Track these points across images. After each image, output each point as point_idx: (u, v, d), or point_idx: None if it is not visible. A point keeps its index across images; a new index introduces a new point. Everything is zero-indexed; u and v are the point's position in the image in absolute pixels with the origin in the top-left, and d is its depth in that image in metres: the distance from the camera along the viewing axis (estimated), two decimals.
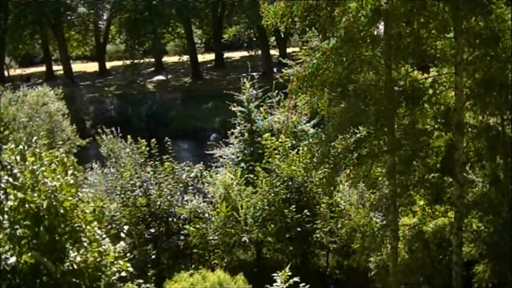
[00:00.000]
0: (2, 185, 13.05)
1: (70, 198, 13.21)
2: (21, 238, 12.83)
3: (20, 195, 12.82)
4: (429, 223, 17.99)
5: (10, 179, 13.01)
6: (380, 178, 17.30)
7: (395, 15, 15.48)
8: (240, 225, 20.90)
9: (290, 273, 12.19)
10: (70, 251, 13.06)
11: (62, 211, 13.01)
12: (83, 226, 13.52)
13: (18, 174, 13.11)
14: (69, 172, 13.76)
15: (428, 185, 16.88)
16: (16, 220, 12.90)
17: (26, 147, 13.66)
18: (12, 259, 12.46)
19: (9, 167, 13.20)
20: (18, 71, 77.59)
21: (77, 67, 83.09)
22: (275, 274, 12.28)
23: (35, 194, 12.89)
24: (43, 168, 13.20)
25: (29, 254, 12.54)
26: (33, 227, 12.90)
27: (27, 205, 12.83)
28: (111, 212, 21.48)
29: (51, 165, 13.57)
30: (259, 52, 72.62)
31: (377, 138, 16.52)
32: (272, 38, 71.56)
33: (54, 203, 12.93)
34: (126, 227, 15.10)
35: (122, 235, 14.47)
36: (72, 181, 13.34)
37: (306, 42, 17.04)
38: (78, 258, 13.05)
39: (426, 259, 17.98)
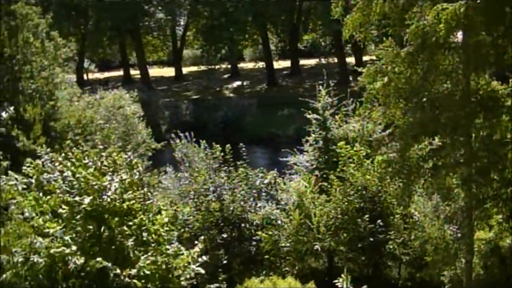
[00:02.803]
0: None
1: (129, 197, 13.34)
2: (84, 238, 13.03)
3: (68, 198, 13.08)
4: (506, 238, 17.62)
5: (65, 187, 13.29)
6: (455, 190, 17.02)
7: (474, 24, 15.22)
8: (312, 233, 20.82)
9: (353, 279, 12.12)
10: (134, 252, 13.16)
11: (123, 208, 13.15)
12: (151, 227, 13.61)
13: (74, 182, 13.36)
14: (135, 172, 13.93)
15: (505, 199, 16.52)
16: (79, 221, 13.12)
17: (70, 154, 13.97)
18: (81, 260, 12.63)
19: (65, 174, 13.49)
20: (97, 75, 78.99)
21: (154, 72, 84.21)
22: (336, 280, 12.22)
23: (88, 197, 13.11)
24: (85, 172, 13.41)
25: (94, 261, 12.67)
26: (95, 227, 13.10)
27: (83, 207, 13.07)
28: (184, 215, 21.67)
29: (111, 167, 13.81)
30: (335, 59, 72.42)
31: (453, 148, 16.28)
32: (349, 46, 71.25)
33: (117, 203, 13.09)
34: (202, 238, 15.18)
35: (197, 242, 14.52)
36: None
37: (382, 50, 16.87)
38: (148, 261, 13.14)
39: (502, 275, 17.61)
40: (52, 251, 12.79)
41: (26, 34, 29.23)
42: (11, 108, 19.96)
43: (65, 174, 13.84)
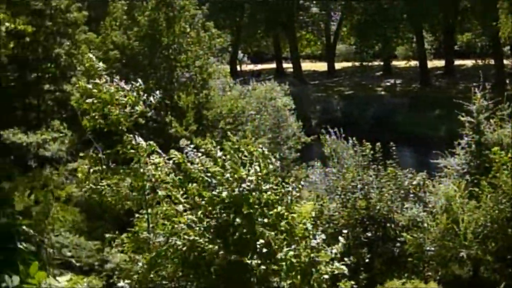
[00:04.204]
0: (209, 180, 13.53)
1: (266, 188, 13.37)
2: (220, 228, 13.16)
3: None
4: None
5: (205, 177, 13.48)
6: None
7: None
8: (458, 239, 20.28)
9: None
10: (275, 243, 13.14)
11: (261, 198, 13.19)
12: (291, 217, 13.57)
13: (212, 169, 13.54)
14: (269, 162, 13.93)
15: None
16: (215, 211, 13.28)
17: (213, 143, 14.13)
18: (214, 248, 12.76)
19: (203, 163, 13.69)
20: (250, 67, 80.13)
21: (307, 66, 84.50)
22: None
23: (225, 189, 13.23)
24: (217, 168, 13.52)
25: (223, 255, 12.76)
26: (230, 217, 13.19)
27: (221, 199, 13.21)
28: (330, 211, 21.64)
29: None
30: (492, 61, 70.44)
31: None
32: (506, 48, 69.17)
33: (255, 194, 13.15)
34: (345, 231, 15.06)
35: (341, 238, 14.39)
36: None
37: None
38: (291, 252, 13.13)
39: None
40: (186, 236, 13.03)
41: (183, 24, 30.03)
42: (161, 94, 20.63)
43: (198, 165, 14.01)
